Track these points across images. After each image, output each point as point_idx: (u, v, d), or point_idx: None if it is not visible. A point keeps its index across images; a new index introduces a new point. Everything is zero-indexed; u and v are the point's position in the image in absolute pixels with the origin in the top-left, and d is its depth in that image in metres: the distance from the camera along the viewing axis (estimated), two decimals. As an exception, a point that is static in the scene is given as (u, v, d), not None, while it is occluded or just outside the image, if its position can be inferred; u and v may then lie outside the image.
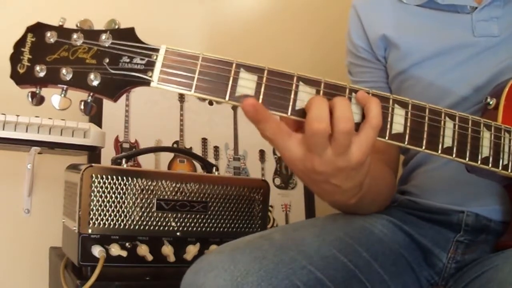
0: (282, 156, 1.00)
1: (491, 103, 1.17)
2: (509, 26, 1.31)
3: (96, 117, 1.93)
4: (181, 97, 2.12)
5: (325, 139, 0.93)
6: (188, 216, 1.50)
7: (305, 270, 1.08)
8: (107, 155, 1.80)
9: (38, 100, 0.93)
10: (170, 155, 2.07)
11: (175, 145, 2.09)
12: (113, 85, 0.92)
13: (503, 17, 1.32)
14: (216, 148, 2.16)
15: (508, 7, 1.32)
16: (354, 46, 1.50)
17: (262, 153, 2.22)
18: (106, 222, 1.41)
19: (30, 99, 0.93)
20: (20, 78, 0.92)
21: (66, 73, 0.91)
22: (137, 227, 1.45)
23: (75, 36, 0.93)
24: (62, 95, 0.93)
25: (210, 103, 2.18)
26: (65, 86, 0.93)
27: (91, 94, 0.93)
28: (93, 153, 1.72)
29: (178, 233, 1.49)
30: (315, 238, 1.18)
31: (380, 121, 0.97)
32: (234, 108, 2.22)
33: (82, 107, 0.94)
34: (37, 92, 0.93)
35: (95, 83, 0.92)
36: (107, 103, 1.94)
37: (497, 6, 1.32)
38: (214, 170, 1.65)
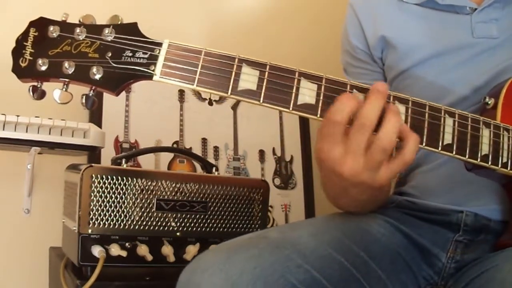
0: (320, 147, 1.01)
1: (489, 102, 1.18)
2: (508, 28, 1.32)
3: (96, 117, 1.94)
4: (181, 97, 2.12)
5: (342, 132, 0.98)
6: (188, 216, 1.50)
7: (301, 269, 1.07)
8: (107, 155, 1.80)
9: (39, 94, 0.94)
10: (170, 155, 2.07)
11: (175, 145, 2.09)
12: (115, 79, 0.93)
13: (502, 19, 1.32)
14: (216, 148, 2.16)
15: (508, 9, 1.33)
16: (351, 46, 1.50)
17: (261, 153, 2.22)
18: (106, 222, 1.41)
19: (31, 93, 0.94)
20: (22, 71, 0.93)
21: (69, 66, 0.92)
22: (137, 227, 1.45)
23: (78, 30, 0.94)
24: (64, 89, 0.94)
25: (210, 103, 2.19)
26: (67, 80, 0.93)
27: (93, 88, 0.94)
28: (93, 153, 1.72)
29: (178, 233, 1.49)
30: (312, 238, 1.18)
31: (413, 158, 1.01)
32: (234, 108, 2.22)
33: (83, 101, 0.95)
34: (38, 86, 0.94)
35: (97, 76, 0.93)
36: (107, 103, 1.96)
37: (496, 8, 1.33)
38: (214, 170, 1.65)
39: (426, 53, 1.37)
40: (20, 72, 0.93)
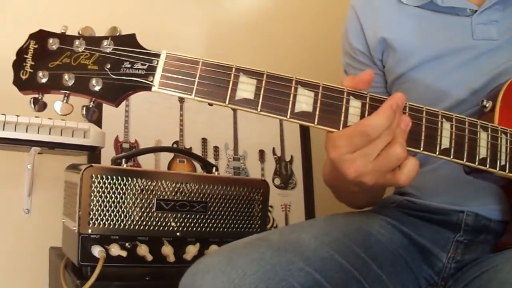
0: (337, 145, 1.00)
1: (487, 105, 1.18)
2: (508, 30, 1.31)
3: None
4: (181, 97, 2.12)
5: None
6: (188, 216, 1.50)
7: (302, 272, 1.07)
8: (107, 155, 1.81)
9: (40, 106, 0.95)
10: (170, 155, 2.07)
11: (175, 145, 2.09)
12: (115, 90, 0.95)
13: (502, 21, 1.32)
14: (216, 148, 2.16)
15: (508, 11, 1.32)
16: (351, 48, 1.50)
17: (261, 153, 2.23)
18: (106, 222, 1.41)
19: (32, 105, 0.95)
20: (23, 84, 0.94)
21: (68, 79, 0.93)
22: (137, 227, 1.45)
23: (77, 42, 0.95)
24: (64, 101, 0.95)
25: (210, 103, 2.18)
26: (67, 92, 0.94)
27: (93, 99, 0.95)
28: (93, 153, 1.72)
29: (178, 233, 1.49)
30: (313, 240, 1.18)
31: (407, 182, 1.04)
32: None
33: (84, 112, 0.96)
34: (40, 98, 0.95)
35: (97, 88, 0.94)
36: (107, 104, 1.96)
37: (496, 10, 1.32)
38: (214, 170, 1.65)
39: (425, 55, 1.37)
40: (21, 84, 0.95)
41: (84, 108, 0.96)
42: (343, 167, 1.00)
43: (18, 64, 0.94)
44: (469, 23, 1.34)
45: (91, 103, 0.96)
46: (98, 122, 1.91)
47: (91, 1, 1.95)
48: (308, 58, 2.32)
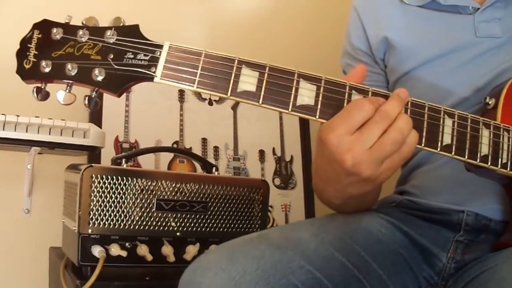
0: (333, 127, 0.99)
1: (490, 103, 1.18)
2: (511, 27, 1.31)
3: (96, 117, 1.94)
4: (181, 97, 2.12)
5: (362, 122, 0.98)
6: (188, 216, 1.50)
7: (303, 270, 1.07)
8: (107, 155, 1.81)
9: (43, 95, 0.96)
10: (170, 155, 2.08)
11: (175, 145, 2.09)
12: (117, 81, 0.95)
13: (505, 18, 1.32)
14: (216, 148, 2.16)
15: (510, 9, 1.32)
16: (353, 48, 1.50)
17: (261, 153, 2.23)
18: (106, 222, 1.41)
19: (35, 94, 0.96)
20: (26, 73, 0.95)
21: (71, 68, 0.94)
22: (137, 227, 1.45)
23: (80, 32, 0.96)
24: (67, 90, 0.95)
25: (210, 103, 2.19)
26: (70, 82, 0.95)
27: (95, 89, 0.95)
28: (93, 153, 1.72)
29: (178, 233, 1.49)
30: (313, 238, 1.17)
31: (411, 153, 1.02)
32: (234, 108, 2.23)
33: (86, 102, 0.96)
34: (42, 87, 0.96)
35: (100, 78, 0.94)
36: (107, 103, 1.96)
37: (499, 7, 1.32)
38: (214, 170, 1.65)
39: (428, 54, 1.37)
40: (24, 73, 0.95)
41: (87, 98, 0.97)
42: (341, 153, 0.98)
43: (21, 54, 0.95)
44: (471, 21, 1.34)
45: (94, 93, 0.97)
46: (98, 122, 1.92)
47: (91, 1, 1.96)
48: (308, 58, 2.32)
